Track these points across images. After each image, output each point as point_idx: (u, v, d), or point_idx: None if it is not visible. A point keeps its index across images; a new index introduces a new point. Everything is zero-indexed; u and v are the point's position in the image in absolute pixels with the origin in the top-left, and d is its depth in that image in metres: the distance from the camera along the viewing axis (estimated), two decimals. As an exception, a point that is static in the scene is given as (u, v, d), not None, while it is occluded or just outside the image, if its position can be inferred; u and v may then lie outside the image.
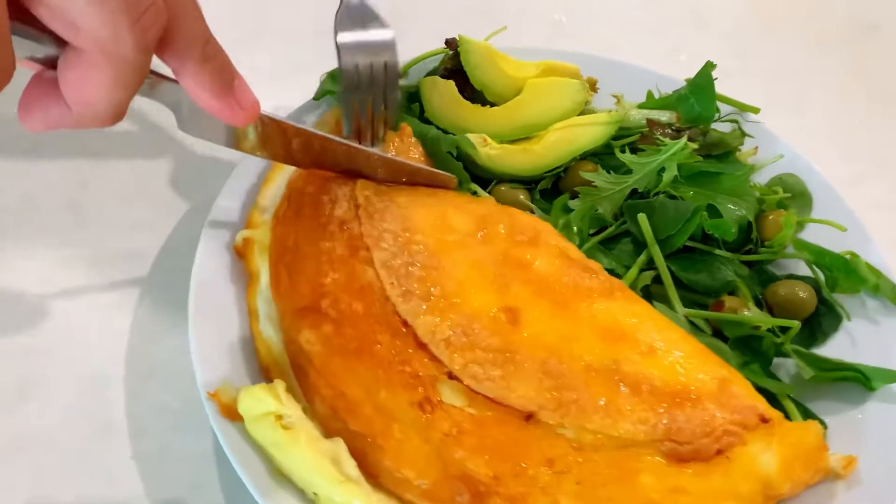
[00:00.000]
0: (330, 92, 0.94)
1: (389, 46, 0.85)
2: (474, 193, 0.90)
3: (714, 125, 0.97)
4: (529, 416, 0.66)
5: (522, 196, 0.92)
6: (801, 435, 0.67)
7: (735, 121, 0.96)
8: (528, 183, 0.94)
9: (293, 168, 0.83)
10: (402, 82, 0.97)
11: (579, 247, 0.84)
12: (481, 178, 0.92)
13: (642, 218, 0.83)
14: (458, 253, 0.75)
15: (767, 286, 0.85)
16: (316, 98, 0.94)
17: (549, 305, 0.72)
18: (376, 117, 0.87)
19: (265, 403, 0.67)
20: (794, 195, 0.92)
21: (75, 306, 0.87)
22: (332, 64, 0.87)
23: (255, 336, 0.75)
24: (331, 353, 0.69)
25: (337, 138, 0.78)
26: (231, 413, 0.69)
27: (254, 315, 0.76)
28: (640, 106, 0.99)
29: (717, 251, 0.84)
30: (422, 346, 0.70)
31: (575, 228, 0.85)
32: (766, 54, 1.30)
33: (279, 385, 0.69)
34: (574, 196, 0.89)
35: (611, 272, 0.81)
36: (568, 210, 0.89)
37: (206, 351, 0.72)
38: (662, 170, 0.87)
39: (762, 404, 0.69)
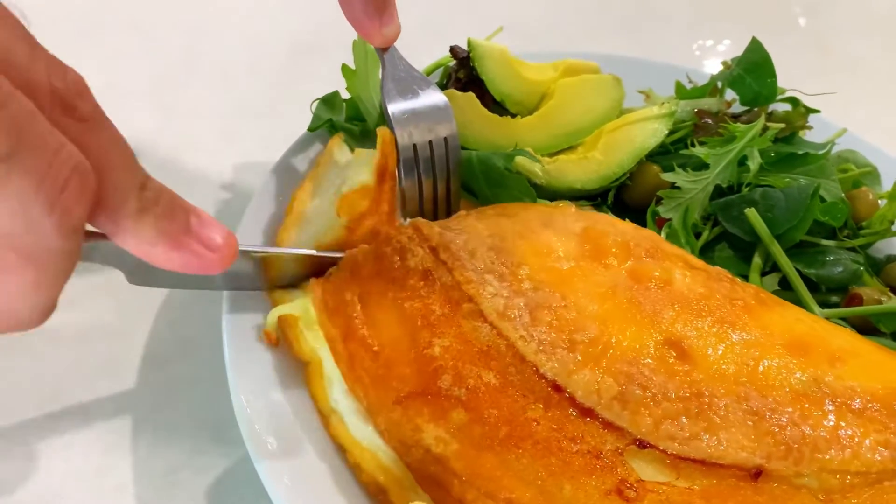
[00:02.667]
0: (328, 122, 0.75)
1: (447, 115, 0.68)
2: None
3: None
4: (758, 473, 0.50)
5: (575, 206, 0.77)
6: None
7: (793, 99, 0.87)
8: (589, 197, 0.79)
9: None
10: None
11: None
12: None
13: (752, 214, 0.71)
14: (580, 283, 0.58)
15: (881, 270, 0.76)
16: (312, 129, 0.74)
17: (713, 328, 0.57)
18: (438, 200, 0.70)
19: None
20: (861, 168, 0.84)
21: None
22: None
23: (349, 447, 0.53)
24: (475, 449, 0.50)
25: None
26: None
27: (333, 417, 0.55)
28: (679, 97, 0.88)
29: (824, 242, 0.74)
30: (587, 412, 0.52)
31: (682, 238, 0.71)
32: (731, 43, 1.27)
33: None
34: (658, 202, 0.75)
35: None
36: (657, 219, 0.75)
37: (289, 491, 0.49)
38: (742, 161, 0.76)
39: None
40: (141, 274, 0.52)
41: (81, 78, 0.37)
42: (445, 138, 0.67)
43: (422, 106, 0.68)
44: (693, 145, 0.80)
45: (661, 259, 0.62)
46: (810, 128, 0.86)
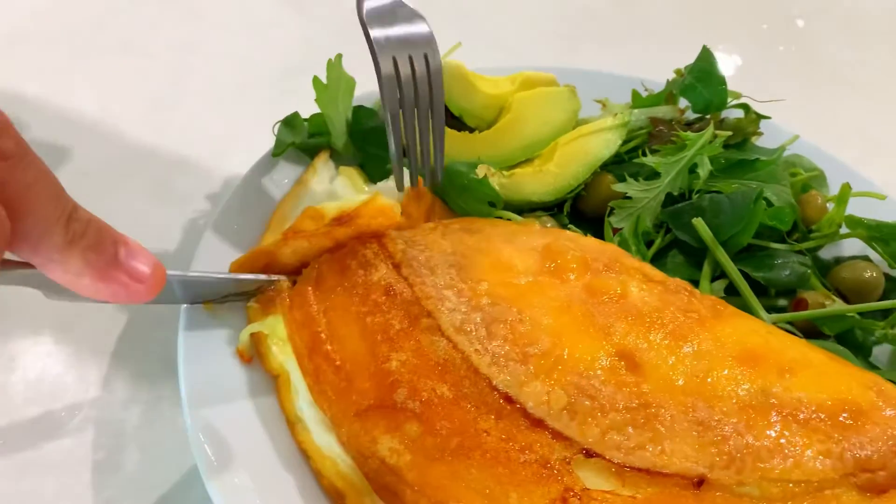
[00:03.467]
0: (292, 144, 0.78)
1: (429, 41, 0.67)
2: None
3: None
4: (700, 482, 0.52)
5: (551, 224, 0.80)
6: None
7: (745, 105, 0.89)
8: (548, 208, 0.81)
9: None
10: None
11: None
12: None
13: (699, 223, 0.73)
14: (536, 298, 0.61)
15: (828, 273, 0.78)
16: (276, 153, 0.77)
17: (665, 340, 0.59)
18: (423, 134, 0.69)
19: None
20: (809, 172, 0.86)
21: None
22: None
23: (311, 454, 0.56)
24: (427, 460, 0.52)
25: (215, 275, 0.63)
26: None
27: (299, 426, 0.58)
28: (635, 106, 0.90)
29: (774, 245, 0.75)
30: (537, 422, 0.54)
31: (633, 247, 0.73)
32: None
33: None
34: (611, 213, 0.78)
35: None
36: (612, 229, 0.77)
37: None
38: (693, 168, 0.78)
39: (927, 403, 0.59)
40: (64, 293, 0.50)
41: (4, 115, 0.39)
42: (427, 66, 0.67)
43: (407, 32, 0.67)
44: (647, 154, 0.82)
45: (620, 273, 0.64)
46: (760, 134, 0.88)
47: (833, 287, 0.77)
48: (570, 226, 0.78)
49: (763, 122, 0.91)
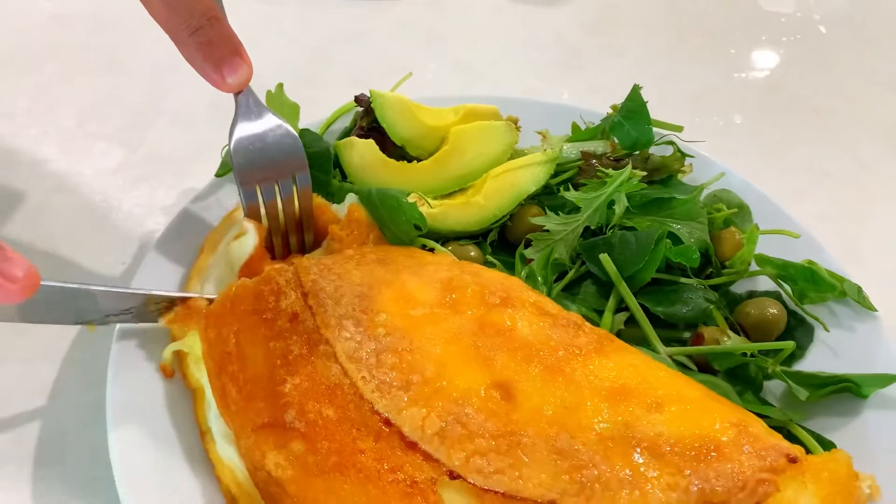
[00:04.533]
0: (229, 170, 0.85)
1: (297, 157, 0.75)
2: (431, 250, 0.83)
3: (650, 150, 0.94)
4: (551, 507, 0.58)
5: (474, 252, 0.86)
6: (833, 468, 0.62)
7: (671, 143, 0.93)
8: (474, 237, 0.87)
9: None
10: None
11: (548, 296, 0.78)
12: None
13: (605, 258, 0.78)
14: (429, 329, 0.66)
15: (735, 308, 0.82)
16: (218, 174, 0.84)
17: (542, 373, 0.65)
18: (288, 206, 0.76)
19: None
20: (732, 208, 0.90)
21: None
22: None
23: (215, 462, 0.63)
24: (307, 475, 0.59)
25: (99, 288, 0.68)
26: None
27: (207, 436, 0.65)
28: (570, 140, 0.95)
29: (683, 280, 0.80)
30: (411, 445, 0.60)
31: (540, 278, 0.78)
32: (680, 78, 1.30)
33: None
34: (528, 244, 0.83)
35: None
36: (525, 260, 0.83)
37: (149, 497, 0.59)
38: (612, 203, 0.83)
39: (783, 442, 0.64)
40: None
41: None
42: (294, 176, 0.76)
43: (271, 149, 0.74)
44: (576, 187, 0.86)
45: (513, 307, 0.70)
46: (686, 172, 0.92)
47: (737, 322, 0.82)
48: (488, 257, 0.84)
49: (698, 157, 0.95)
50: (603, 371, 0.66)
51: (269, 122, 0.74)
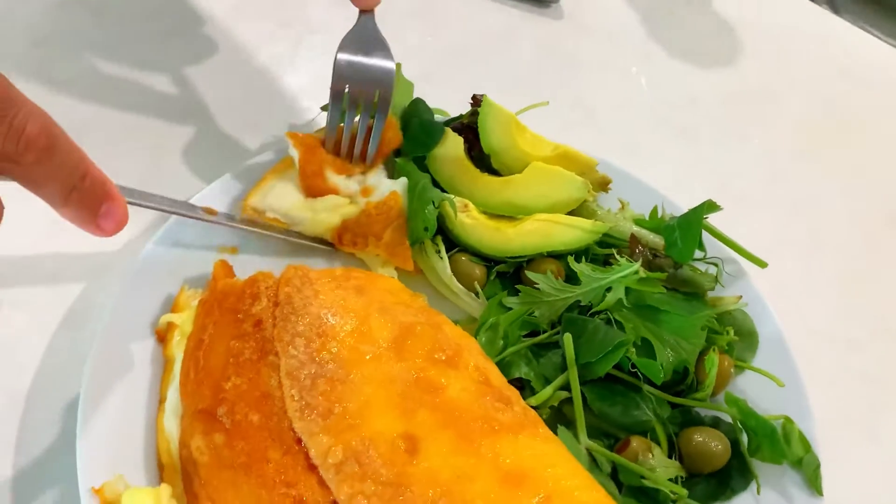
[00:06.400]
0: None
1: (387, 76, 0.89)
2: (438, 252, 0.90)
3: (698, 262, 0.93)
4: (408, 561, 0.63)
5: (479, 272, 0.91)
6: None
7: (716, 265, 0.91)
8: (490, 260, 0.91)
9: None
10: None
11: (502, 350, 0.81)
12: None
13: (567, 338, 0.80)
14: (370, 367, 0.72)
15: (685, 429, 0.81)
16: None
17: (453, 438, 0.69)
18: (359, 140, 0.91)
19: (146, 510, 0.66)
20: (741, 334, 0.87)
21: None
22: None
23: (159, 431, 0.73)
24: (219, 466, 0.67)
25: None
26: (113, 512, 0.67)
27: (162, 405, 0.75)
28: (638, 221, 0.95)
29: (645, 386, 0.80)
30: (313, 468, 0.67)
31: (502, 331, 0.82)
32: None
33: (164, 490, 0.68)
34: (516, 293, 0.86)
35: (528, 383, 0.81)
36: (505, 308, 0.86)
37: (98, 438, 0.71)
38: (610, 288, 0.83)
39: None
40: None
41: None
42: (379, 92, 0.89)
43: (368, 62, 0.89)
44: (608, 263, 0.88)
45: (456, 368, 0.74)
46: (712, 288, 0.89)
47: (678, 444, 0.81)
48: (493, 280, 0.90)
49: (733, 267, 0.93)
50: (510, 452, 0.69)
51: (376, 45, 0.90)
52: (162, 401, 0.76)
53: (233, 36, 1.22)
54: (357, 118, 0.92)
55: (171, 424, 0.73)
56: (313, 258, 0.92)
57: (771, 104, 1.37)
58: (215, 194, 0.90)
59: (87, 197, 0.62)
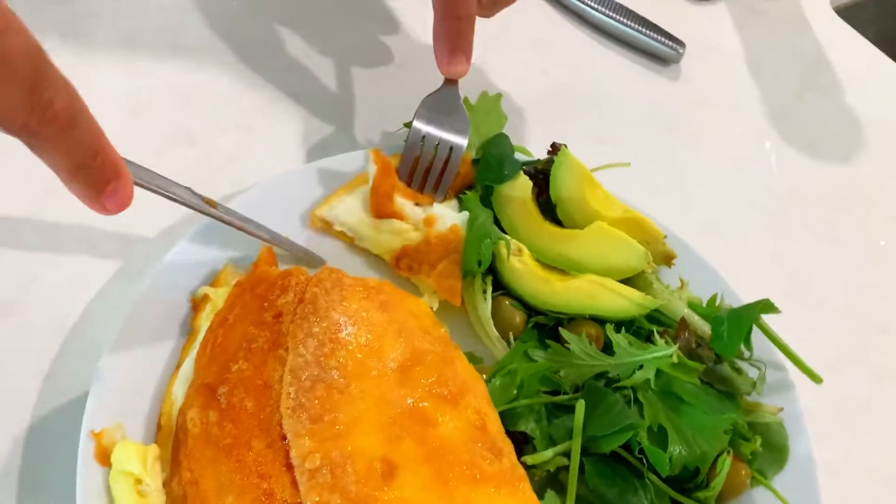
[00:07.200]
0: None
1: (463, 131, 0.97)
2: (483, 292, 0.90)
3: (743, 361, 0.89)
4: (351, 583, 0.63)
5: (518, 319, 0.90)
6: None
7: (760, 369, 0.87)
8: (532, 308, 0.91)
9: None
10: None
11: (515, 399, 0.81)
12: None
13: (580, 404, 0.78)
14: (370, 384, 0.73)
15: None
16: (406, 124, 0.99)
17: (430, 475, 0.69)
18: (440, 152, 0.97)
19: (131, 463, 0.69)
20: (770, 447, 0.82)
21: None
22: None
23: (167, 392, 0.77)
24: (205, 441, 0.70)
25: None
26: (104, 458, 0.71)
27: (177, 370, 0.79)
28: (693, 305, 0.92)
29: (650, 473, 0.77)
30: (289, 467, 0.69)
31: (519, 380, 0.81)
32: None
33: (152, 450, 0.71)
34: (546, 347, 0.85)
35: (532, 440, 0.80)
36: (529, 358, 0.85)
37: (112, 386, 0.75)
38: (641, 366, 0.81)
39: None
40: None
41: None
42: (451, 146, 0.96)
43: (446, 112, 0.97)
44: (649, 339, 0.85)
45: (455, 407, 0.74)
46: (749, 393, 0.85)
47: None
48: (530, 329, 0.89)
49: (781, 375, 0.88)
50: (482, 502, 0.68)
51: (455, 105, 0.99)
52: (178, 366, 0.79)
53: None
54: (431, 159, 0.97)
55: (179, 390, 0.77)
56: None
57: (876, 211, 1.28)
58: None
59: (94, 175, 0.62)
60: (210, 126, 1.09)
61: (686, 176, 1.25)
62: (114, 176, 0.64)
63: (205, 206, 0.81)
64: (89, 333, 0.87)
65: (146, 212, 0.83)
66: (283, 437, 0.70)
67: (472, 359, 0.87)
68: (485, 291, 0.91)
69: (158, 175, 0.76)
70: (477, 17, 0.96)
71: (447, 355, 0.78)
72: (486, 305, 0.90)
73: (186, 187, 0.80)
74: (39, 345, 0.86)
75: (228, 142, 1.08)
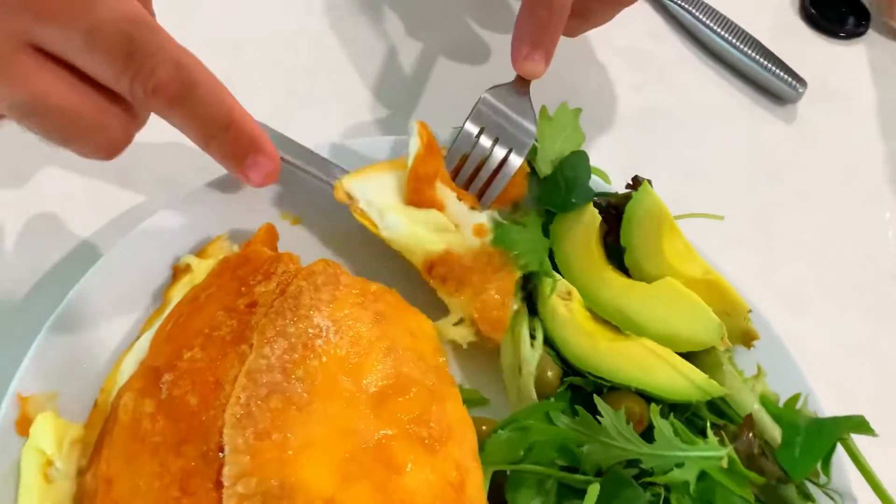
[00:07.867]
0: None
1: (526, 138, 0.83)
2: (532, 337, 0.77)
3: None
4: None
5: (551, 375, 0.75)
6: None
7: (836, 500, 0.72)
8: (569, 366, 0.76)
9: None
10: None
11: (521, 461, 0.68)
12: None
13: (594, 489, 0.63)
14: (337, 406, 0.61)
15: None
16: None
17: (380, 529, 0.56)
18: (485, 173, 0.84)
19: (46, 441, 0.60)
20: None
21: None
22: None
23: (114, 367, 0.68)
24: (133, 434, 0.60)
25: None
26: (24, 428, 0.62)
27: (133, 343, 0.69)
28: (766, 401, 0.76)
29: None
30: (218, 484, 0.57)
31: (532, 441, 0.67)
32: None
33: (72, 431, 0.62)
34: (574, 413, 0.71)
35: None
36: (550, 421, 0.71)
37: (58, 345, 0.66)
38: (680, 464, 0.66)
39: None
40: None
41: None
42: (510, 150, 0.83)
43: (509, 113, 0.84)
44: (702, 431, 0.71)
45: (435, 455, 0.61)
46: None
47: None
48: (562, 391, 0.75)
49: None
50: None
51: (522, 107, 0.84)
52: (135, 339, 0.70)
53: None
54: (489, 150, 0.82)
55: (129, 367, 0.67)
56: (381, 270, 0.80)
57: None
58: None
59: (228, 147, 0.63)
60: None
61: (779, 234, 1.06)
62: (252, 149, 0.65)
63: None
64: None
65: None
66: (221, 449, 0.59)
67: (476, 399, 0.74)
68: (533, 336, 0.76)
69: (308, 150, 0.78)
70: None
71: (438, 391, 0.65)
72: (533, 353, 0.75)
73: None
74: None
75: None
